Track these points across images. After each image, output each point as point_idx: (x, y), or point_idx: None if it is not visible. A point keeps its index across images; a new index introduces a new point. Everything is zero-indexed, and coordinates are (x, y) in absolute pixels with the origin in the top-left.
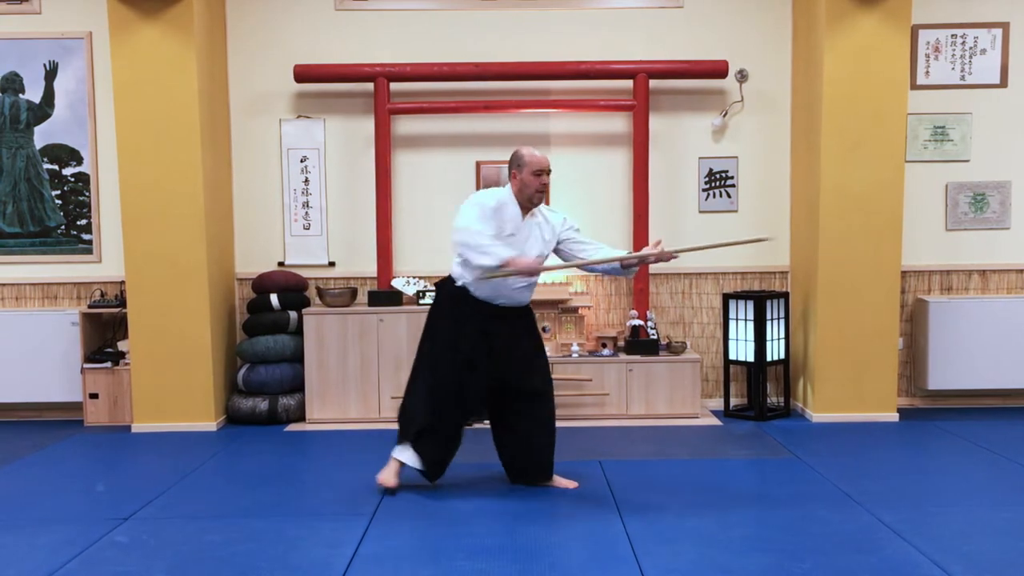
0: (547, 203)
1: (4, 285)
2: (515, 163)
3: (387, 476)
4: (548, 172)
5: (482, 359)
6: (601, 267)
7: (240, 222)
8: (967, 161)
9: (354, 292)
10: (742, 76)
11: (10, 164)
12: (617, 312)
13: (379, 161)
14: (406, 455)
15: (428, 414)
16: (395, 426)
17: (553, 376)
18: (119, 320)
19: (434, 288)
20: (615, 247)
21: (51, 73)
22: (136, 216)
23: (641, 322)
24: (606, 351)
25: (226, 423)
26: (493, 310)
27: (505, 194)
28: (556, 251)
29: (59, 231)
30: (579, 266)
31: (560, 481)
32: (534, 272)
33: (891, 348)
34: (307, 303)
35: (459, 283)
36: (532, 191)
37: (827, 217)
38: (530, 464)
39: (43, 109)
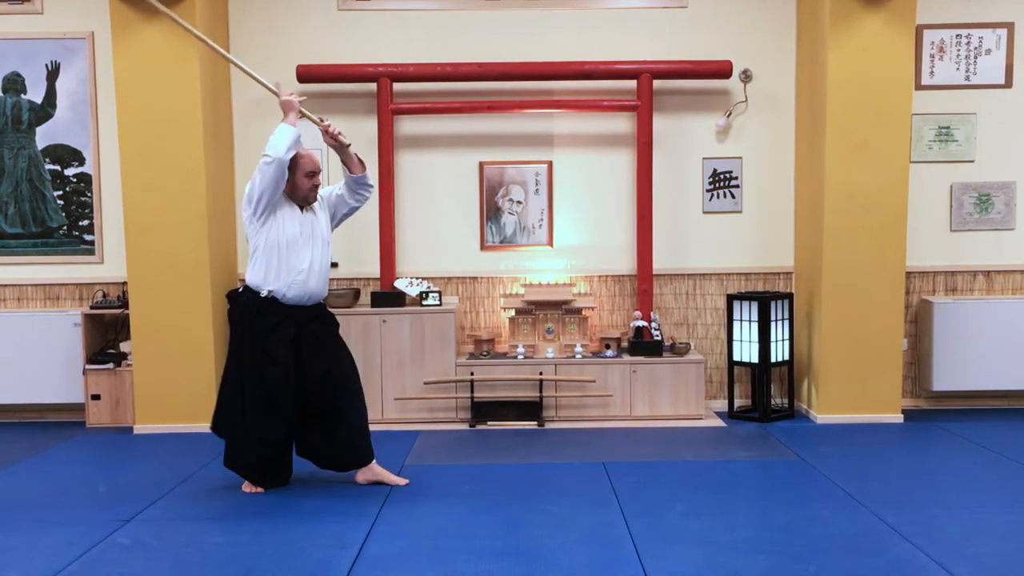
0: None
1: (6, 286)
2: None
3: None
4: (319, 172)
5: (292, 365)
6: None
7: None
8: (972, 161)
9: (357, 293)
10: (746, 76)
11: (12, 165)
12: (621, 313)
13: (382, 162)
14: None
15: (239, 426)
16: (398, 427)
17: (557, 378)
18: (121, 321)
19: (230, 300)
20: (620, 249)
21: (53, 73)
22: (138, 217)
23: (645, 323)
24: (609, 352)
25: None
26: (303, 312)
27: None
28: (333, 216)
29: (61, 232)
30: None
31: (386, 475)
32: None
33: (896, 349)
34: None
35: (264, 293)
36: (306, 191)
37: (831, 218)
38: (346, 452)
39: (45, 109)
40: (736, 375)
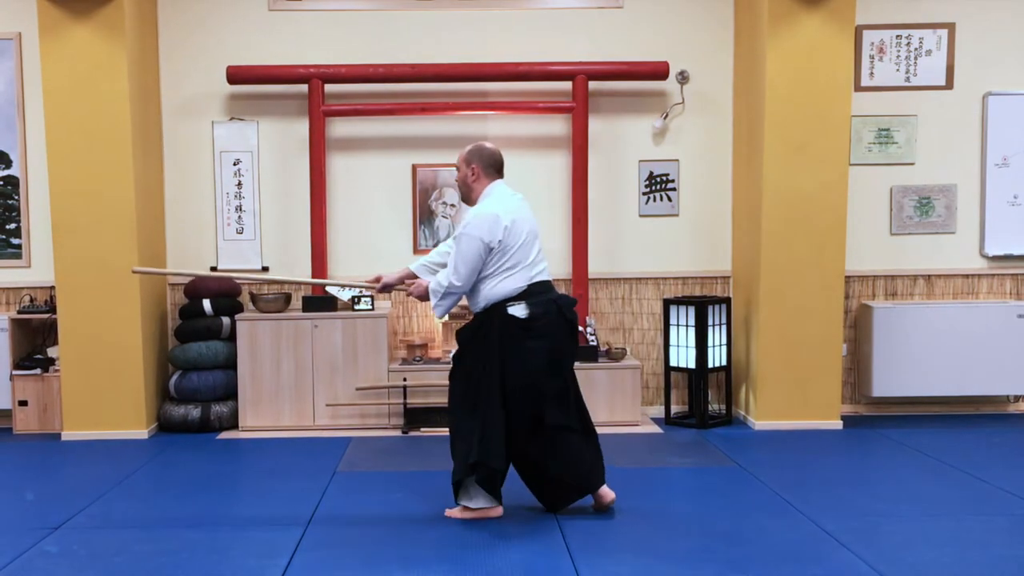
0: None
1: None
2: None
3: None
4: None
5: None
6: None
7: (172, 226)
8: (912, 164)
9: (288, 298)
10: (683, 78)
11: None
12: None
13: (313, 164)
14: None
15: None
16: (330, 434)
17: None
18: (49, 326)
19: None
20: (555, 253)
21: None
22: (66, 220)
23: (580, 328)
24: None
25: (157, 431)
26: None
27: None
28: None
29: None
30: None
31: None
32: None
33: (835, 354)
34: (240, 309)
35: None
36: None
37: (770, 221)
38: None
39: None
40: (673, 381)
